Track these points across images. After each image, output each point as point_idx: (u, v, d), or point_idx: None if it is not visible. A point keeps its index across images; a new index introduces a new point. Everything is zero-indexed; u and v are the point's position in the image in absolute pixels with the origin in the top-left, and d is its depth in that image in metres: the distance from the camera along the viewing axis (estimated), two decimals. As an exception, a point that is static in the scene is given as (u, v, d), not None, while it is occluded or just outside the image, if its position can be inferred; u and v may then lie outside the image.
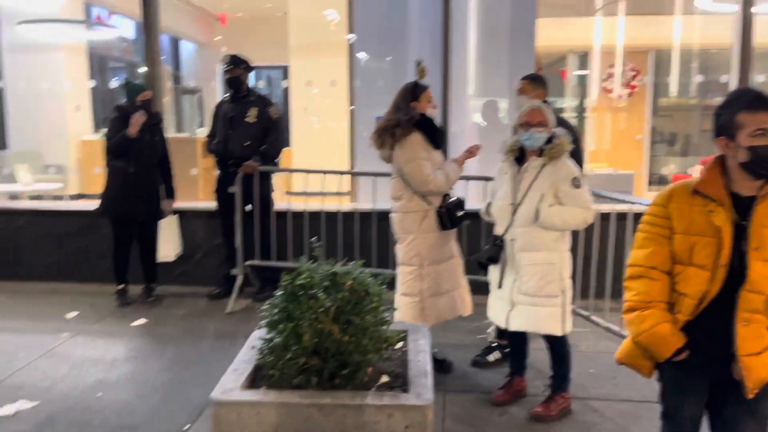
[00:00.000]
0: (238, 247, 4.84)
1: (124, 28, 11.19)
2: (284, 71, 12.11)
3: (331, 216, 4.84)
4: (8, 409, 3.18)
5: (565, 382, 3.19)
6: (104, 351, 4.05)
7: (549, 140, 3.03)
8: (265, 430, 1.84)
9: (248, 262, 4.89)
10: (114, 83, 11.50)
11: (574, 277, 3.18)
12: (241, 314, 4.76)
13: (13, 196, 7.56)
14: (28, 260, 5.49)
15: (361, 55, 5.65)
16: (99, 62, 10.79)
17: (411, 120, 3.41)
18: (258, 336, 2.14)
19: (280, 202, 5.23)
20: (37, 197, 7.68)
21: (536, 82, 3.68)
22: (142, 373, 3.72)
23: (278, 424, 1.84)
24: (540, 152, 3.03)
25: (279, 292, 2.06)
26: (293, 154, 7.93)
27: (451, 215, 3.51)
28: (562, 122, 3.33)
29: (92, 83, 9.52)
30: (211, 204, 5.25)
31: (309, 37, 7.47)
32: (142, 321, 4.57)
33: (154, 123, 4.88)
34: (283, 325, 1.98)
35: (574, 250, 3.24)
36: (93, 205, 5.22)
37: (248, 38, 11.15)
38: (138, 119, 4.69)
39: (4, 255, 5.50)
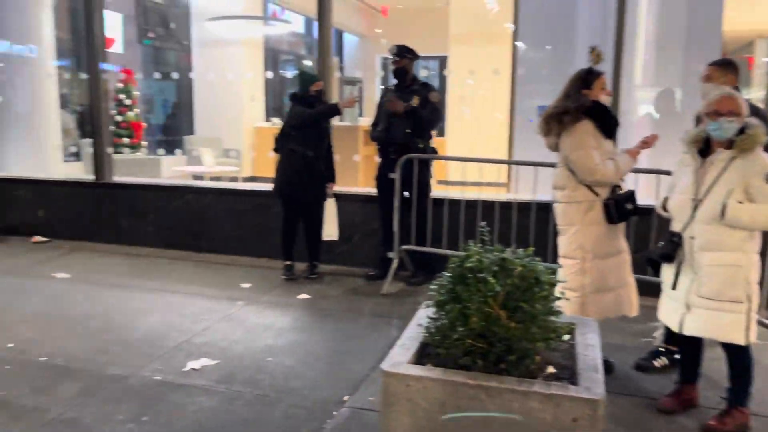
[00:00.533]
0: (395, 231, 4.99)
1: (295, 23, 11.97)
2: (441, 61, 12.21)
3: (488, 205, 4.81)
4: (196, 364, 3.57)
5: (745, 396, 2.91)
6: (273, 319, 4.41)
7: (741, 131, 2.76)
8: (431, 404, 1.90)
9: (404, 247, 5.04)
10: (284, 74, 12.35)
11: (761, 283, 2.88)
12: (395, 296, 4.92)
13: (198, 176, 8.46)
14: (211, 234, 6.11)
15: (525, 44, 5.53)
16: (272, 55, 11.66)
17: (581, 107, 3.29)
18: (425, 315, 2.21)
19: (436, 190, 5.30)
20: (216, 178, 8.52)
21: (726, 68, 3.38)
22: (305, 343, 3.99)
23: (444, 399, 1.90)
24: (729, 144, 2.78)
25: (447, 274, 2.10)
26: (448, 144, 7.99)
27: (620, 208, 3.34)
28: (756, 112, 3.03)
29: (270, 75, 10.30)
30: (370, 189, 5.46)
31: (470, 27, 7.45)
32: (305, 295, 4.89)
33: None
34: (450, 306, 2.02)
35: (763, 253, 2.93)
36: (266, 186, 5.68)
37: (407, 29, 11.38)
38: (352, 101, 5.41)
39: (192, 228, 6.17)
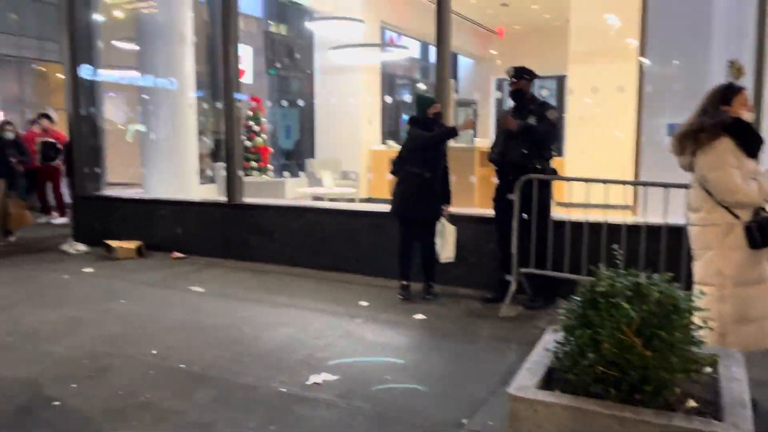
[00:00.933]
0: (514, 253, 4.91)
1: (410, 48, 12.25)
2: (559, 81, 11.95)
3: (614, 228, 4.61)
4: (318, 378, 3.70)
5: None
6: (390, 338, 4.48)
7: None
8: (560, 431, 1.85)
9: (522, 270, 4.94)
10: (400, 98, 12.65)
11: None
12: (513, 319, 4.83)
13: (317, 197, 8.83)
14: (330, 252, 6.35)
15: (652, 59, 5.28)
16: (388, 80, 11.99)
17: (719, 124, 3.09)
18: (551, 339, 2.16)
19: (557, 212, 5.16)
20: (333, 199, 8.85)
21: None
22: (423, 363, 4.01)
23: (573, 427, 1.84)
24: None
25: (576, 298, 2.05)
26: (567, 164, 7.76)
27: (764, 232, 3.08)
28: None
29: (389, 99, 10.62)
30: (487, 211, 5.42)
31: (591, 44, 7.23)
32: (421, 316, 4.92)
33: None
34: (580, 331, 1.97)
35: None
36: (382, 207, 5.81)
37: (523, 49, 11.29)
38: (470, 123, 5.70)
39: (312, 247, 6.44)
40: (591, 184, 4.67)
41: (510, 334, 4.50)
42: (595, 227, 4.70)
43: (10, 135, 7.88)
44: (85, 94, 7.88)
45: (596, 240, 4.63)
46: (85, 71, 7.80)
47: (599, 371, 1.91)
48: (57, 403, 3.36)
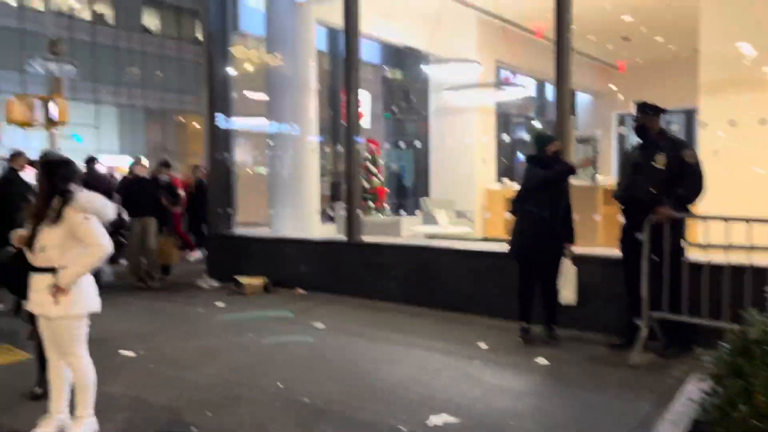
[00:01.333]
0: (644, 297, 4.63)
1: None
2: (687, 114, 11.31)
3: (760, 272, 4.21)
4: (438, 419, 3.66)
5: None
6: (511, 381, 4.35)
7: None
8: (711, 492, 1.70)
9: (655, 314, 4.63)
10: (515, 137, 12.54)
11: None
12: (645, 368, 4.51)
13: (431, 236, 8.88)
14: (447, 291, 6.33)
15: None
16: (503, 118, 11.96)
17: None
18: (695, 389, 2.01)
19: (692, 253, 4.81)
20: (448, 238, 8.84)
21: None
22: (547, 409, 3.85)
23: (727, 488, 1.68)
24: None
25: (725, 345, 1.90)
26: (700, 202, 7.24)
27: None
28: None
29: (506, 138, 10.58)
30: (611, 251, 5.17)
31: (725, 74, 6.79)
32: (543, 360, 4.74)
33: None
34: (730, 381, 1.81)
35: None
36: (500, 247, 5.73)
37: (645, 83, 10.88)
38: (587, 160, 5.65)
39: (429, 285, 6.46)
40: (731, 224, 4.32)
41: (641, 382, 4.21)
42: (737, 270, 4.33)
43: (164, 178, 8.72)
44: (220, 141, 8.56)
45: (739, 284, 4.25)
46: (220, 120, 8.49)
47: (752, 425, 1.74)
48: (194, 429, 3.58)
